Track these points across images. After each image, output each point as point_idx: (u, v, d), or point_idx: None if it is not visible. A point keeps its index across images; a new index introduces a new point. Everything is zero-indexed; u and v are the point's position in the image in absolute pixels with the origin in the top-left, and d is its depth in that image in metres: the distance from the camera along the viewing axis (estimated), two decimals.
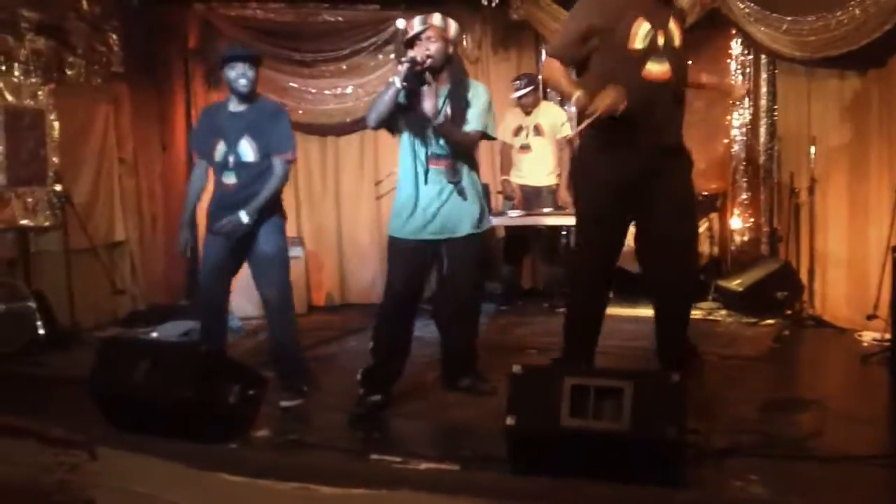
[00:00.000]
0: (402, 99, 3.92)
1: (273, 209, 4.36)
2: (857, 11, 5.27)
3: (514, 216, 6.59)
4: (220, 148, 4.30)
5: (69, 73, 6.30)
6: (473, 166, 4.22)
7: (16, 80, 5.85)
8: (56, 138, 6.15)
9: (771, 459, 3.31)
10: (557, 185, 6.94)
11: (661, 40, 3.74)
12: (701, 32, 6.54)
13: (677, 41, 3.80)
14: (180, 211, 7.21)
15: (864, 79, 5.65)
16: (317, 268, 7.39)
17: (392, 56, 6.80)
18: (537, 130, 6.83)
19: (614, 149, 3.82)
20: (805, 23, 5.63)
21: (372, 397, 4.07)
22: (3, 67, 5.77)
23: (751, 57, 6.72)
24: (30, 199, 5.97)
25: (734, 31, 6.60)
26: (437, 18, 3.98)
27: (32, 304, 5.56)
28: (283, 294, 4.41)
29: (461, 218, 4.11)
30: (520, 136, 6.90)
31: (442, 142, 4.02)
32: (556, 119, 6.86)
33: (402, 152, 4.13)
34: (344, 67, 7.10)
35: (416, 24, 3.98)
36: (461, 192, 4.08)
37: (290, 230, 7.28)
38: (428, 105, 3.96)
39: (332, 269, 7.51)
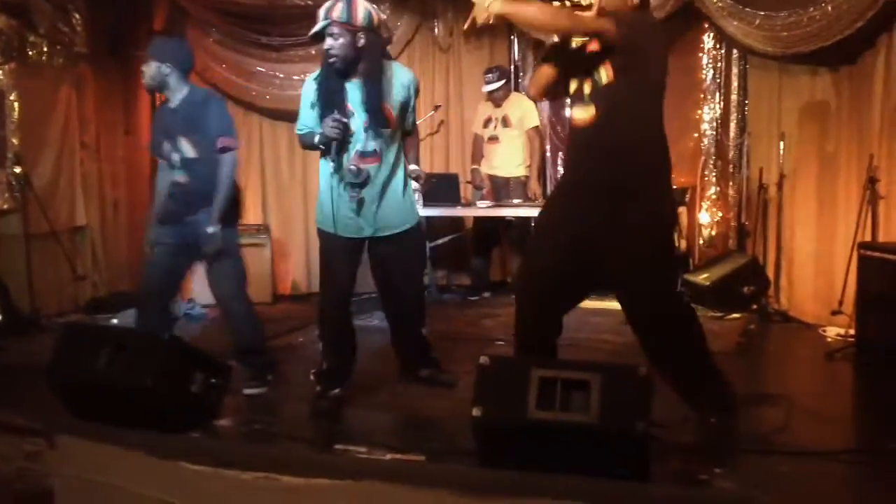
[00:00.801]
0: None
1: (210, 199, 4.24)
2: (830, 8, 5.29)
3: (483, 207, 6.56)
4: (167, 147, 4.24)
5: (31, 53, 6.17)
6: (401, 160, 4.07)
7: None
8: (16, 119, 6.02)
9: (738, 454, 3.32)
10: (527, 176, 6.93)
11: (586, 88, 3.43)
12: (673, 26, 6.55)
13: (605, 79, 3.36)
14: (144, 196, 7.20)
15: (835, 75, 5.68)
16: (283, 256, 7.33)
17: None
18: (505, 122, 6.84)
19: (563, 190, 3.76)
20: (778, 18, 5.65)
21: (331, 392, 4.02)
22: None
23: (723, 51, 6.73)
24: None
25: (707, 26, 6.60)
26: (338, 10, 3.75)
27: None
28: (239, 286, 4.35)
29: (389, 215, 4.00)
30: (489, 128, 6.92)
31: (369, 141, 3.87)
32: (526, 111, 6.86)
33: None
34: (313, 52, 6.99)
35: (320, 17, 3.79)
36: (377, 193, 3.95)
37: (256, 217, 7.27)
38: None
39: (298, 257, 7.45)
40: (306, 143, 3.98)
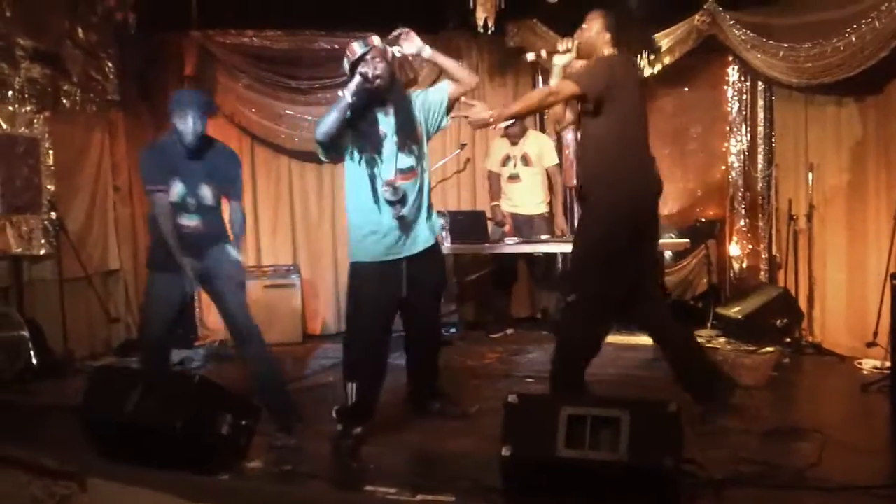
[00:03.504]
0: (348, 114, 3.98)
1: (223, 238, 4.37)
2: (854, 38, 5.29)
3: (511, 244, 6.55)
4: (178, 189, 4.26)
5: (64, 100, 6.29)
6: (428, 178, 4.26)
7: (11, 108, 5.84)
8: (51, 166, 6.13)
9: (770, 489, 3.26)
10: (549, 213, 6.93)
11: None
12: (697, 59, 6.57)
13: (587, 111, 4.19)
14: None
15: (861, 105, 5.65)
16: (312, 295, 7.36)
17: None
18: (525, 160, 6.83)
19: None
20: (801, 49, 5.65)
21: (354, 431, 4.02)
22: None
23: (748, 83, 6.73)
24: (25, 228, 5.95)
25: (731, 58, 6.63)
26: (376, 40, 4.04)
27: (26, 333, 5.52)
28: (250, 320, 4.35)
29: (423, 230, 4.16)
30: (507, 166, 6.91)
31: (405, 157, 4.05)
32: (543, 149, 6.87)
33: (353, 176, 4.10)
34: (340, 95, 7.08)
35: (358, 47, 4.00)
36: (414, 210, 4.10)
37: (286, 258, 7.32)
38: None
39: (327, 296, 7.47)
40: (331, 118, 3.95)
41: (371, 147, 4.03)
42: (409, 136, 4.07)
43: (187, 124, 4.19)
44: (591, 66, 4.18)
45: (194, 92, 4.61)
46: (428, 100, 4.19)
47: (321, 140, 4.01)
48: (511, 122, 6.67)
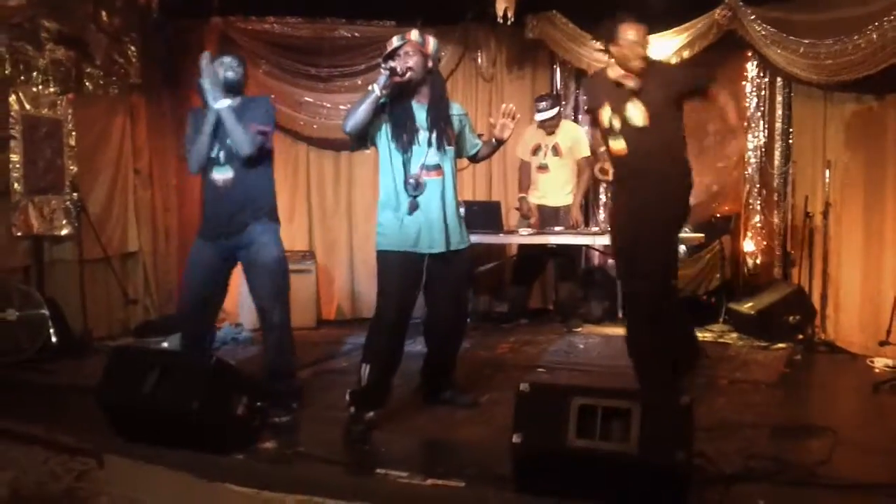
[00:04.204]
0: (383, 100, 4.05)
1: (270, 215, 4.35)
2: (875, 36, 5.27)
3: (525, 234, 6.53)
4: (212, 145, 4.26)
5: (88, 83, 6.36)
6: (456, 182, 4.28)
7: (35, 89, 5.91)
8: (73, 147, 6.20)
9: (779, 485, 3.26)
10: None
11: (616, 123, 4.34)
12: (717, 54, 6.55)
13: (640, 120, 4.28)
14: (194, 223, 7.31)
15: (881, 103, 5.64)
16: (327, 281, 7.40)
17: None
18: (556, 150, 6.74)
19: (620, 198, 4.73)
20: (822, 46, 5.63)
21: (367, 415, 4.05)
22: (23, 77, 5.83)
23: (766, 79, 6.70)
24: (46, 208, 6.02)
25: (750, 54, 6.60)
26: (414, 34, 4.12)
27: (46, 312, 5.59)
28: (281, 306, 4.33)
29: (454, 231, 4.19)
30: (538, 156, 6.83)
31: (433, 154, 4.10)
32: (576, 140, 6.76)
33: (384, 166, 4.16)
34: (359, 83, 7.10)
35: (395, 40, 4.10)
36: (440, 208, 4.13)
37: (302, 244, 7.35)
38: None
39: (342, 282, 7.52)
40: (360, 110, 3.98)
41: (402, 138, 4.08)
42: (441, 134, 4.13)
43: (239, 66, 4.32)
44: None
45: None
46: (466, 128, 4.40)
47: (349, 132, 4.06)
48: (551, 114, 6.67)
